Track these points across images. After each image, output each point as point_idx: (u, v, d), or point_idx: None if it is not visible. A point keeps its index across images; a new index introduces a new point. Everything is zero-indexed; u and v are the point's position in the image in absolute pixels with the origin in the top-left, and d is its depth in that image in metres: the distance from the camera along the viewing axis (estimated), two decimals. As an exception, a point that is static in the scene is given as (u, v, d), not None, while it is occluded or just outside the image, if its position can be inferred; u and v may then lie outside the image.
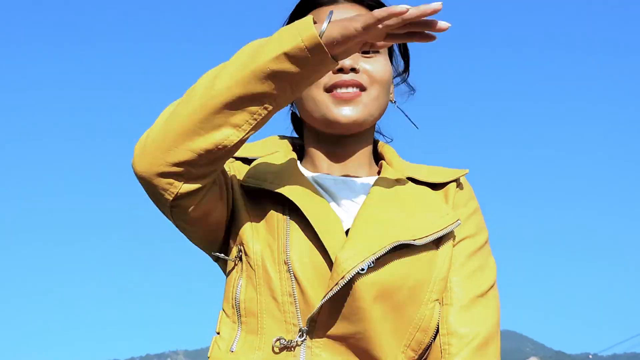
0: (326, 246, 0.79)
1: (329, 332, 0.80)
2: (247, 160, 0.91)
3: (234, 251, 0.86)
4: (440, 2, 0.69)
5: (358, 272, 0.76)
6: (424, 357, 0.85)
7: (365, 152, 0.95)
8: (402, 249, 0.80)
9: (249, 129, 0.75)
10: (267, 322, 0.81)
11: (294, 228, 0.82)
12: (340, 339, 0.80)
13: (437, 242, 0.84)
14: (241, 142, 0.76)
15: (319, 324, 0.79)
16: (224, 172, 0.86)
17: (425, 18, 0.70)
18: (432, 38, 0.74)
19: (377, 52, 0.90)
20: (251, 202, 0.87)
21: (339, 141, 0.92)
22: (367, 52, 0.89)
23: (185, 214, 0.81)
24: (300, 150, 0.99)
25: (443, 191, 0.91)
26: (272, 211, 0.84)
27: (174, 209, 0.80)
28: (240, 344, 0.83)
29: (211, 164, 0.77)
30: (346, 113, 0.87)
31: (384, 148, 0.99)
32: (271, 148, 0.93)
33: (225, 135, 0.74)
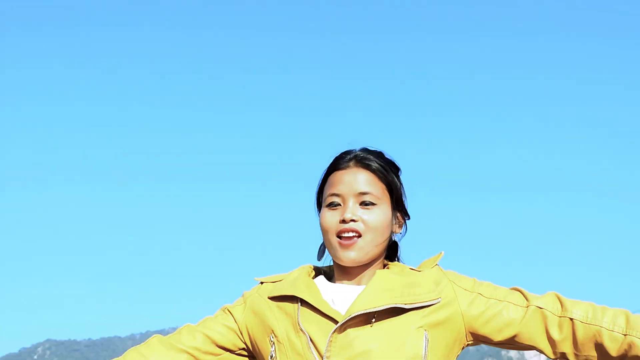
0: (324, 311, 1.15)
1: None
2: (275, 284, 1.29)
3: (269, 344, 1.21)
4: None
5: (357, 317, 1.11)
6: None
7: (371, 270, 1.26)
8: (395, 310, 1.14)
9: None
10: None
11: (303, 310, 1.18)
12: None
13: (420, 308, 1.15)
14: None
15: (332, 357, 1.11)
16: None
17: None
18: None
19: (374, 204, 1.22)
20: (277, 306, 1.23)
21: (351, 267, 1.26)
22: (366, 204, 1.22)
23: None
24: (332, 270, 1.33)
25: (432, 274, 1.23)
26: (288, 304, 1.21)
27: None
28: None
29: None
30: (348, 255, 1.21)
31: (390, 264, 1.31)
32: (293, 273, 1.30)
33: None
